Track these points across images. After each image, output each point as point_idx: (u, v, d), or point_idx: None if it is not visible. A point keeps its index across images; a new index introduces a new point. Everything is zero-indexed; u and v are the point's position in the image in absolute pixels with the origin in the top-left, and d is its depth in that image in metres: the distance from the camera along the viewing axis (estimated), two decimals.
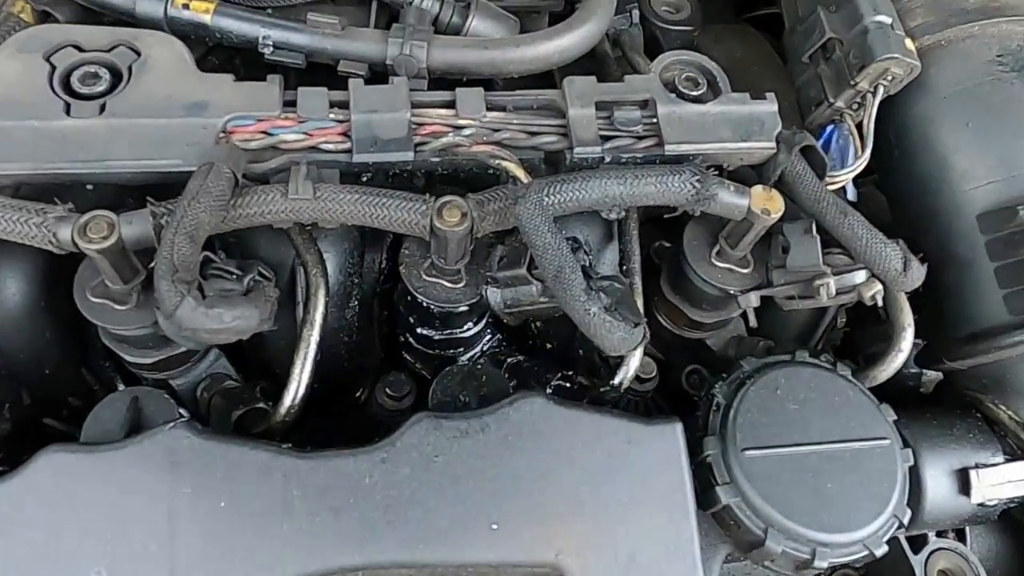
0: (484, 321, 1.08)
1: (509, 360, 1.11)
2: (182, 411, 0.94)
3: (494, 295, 0.97)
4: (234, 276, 0.87)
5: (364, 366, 1.20)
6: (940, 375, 1.20)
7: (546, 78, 1.11)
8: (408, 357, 1.18)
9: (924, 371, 1.20)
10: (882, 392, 1.05)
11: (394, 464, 0.85)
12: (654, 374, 1.19)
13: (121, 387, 1.14)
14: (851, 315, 1.29)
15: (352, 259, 1.07)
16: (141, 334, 0.92)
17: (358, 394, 1.22)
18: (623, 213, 0.98)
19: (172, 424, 0.83)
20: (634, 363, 0.99)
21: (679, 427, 0.90)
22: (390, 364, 1.21)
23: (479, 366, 0.98)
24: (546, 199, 0.88)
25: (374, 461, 0.85)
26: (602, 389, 0.99)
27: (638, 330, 0.88)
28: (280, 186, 0.89)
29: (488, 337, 1.13)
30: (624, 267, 1.04)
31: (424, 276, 0.98)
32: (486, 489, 0.84)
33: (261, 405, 0.97)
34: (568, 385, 1.04)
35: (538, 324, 1.15)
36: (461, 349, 1.11)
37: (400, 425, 0.88)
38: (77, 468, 0.81)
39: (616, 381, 0.99)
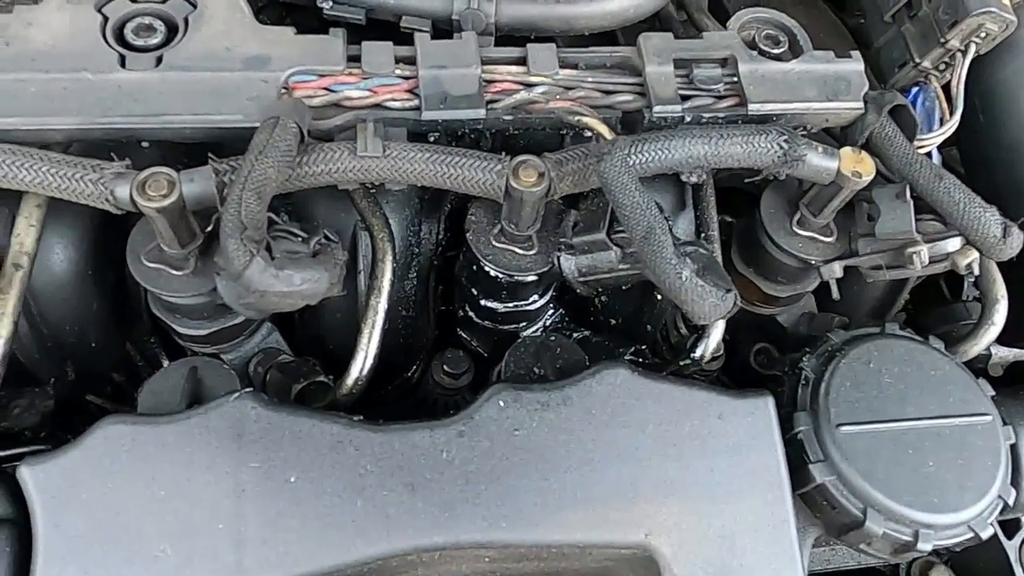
0: (550, 293, 1.03)
1: (575, 335, 1.06)
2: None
3: (568, 263, 0.92)
4: (301, 238, 0.81)
5: (417, 344, 1.15)
6: (1012, 355, 1.14)
7: (610, 39, 1.06)
8: (464, 334, 1.13)
9: (994, 351, 1.14)
10: None
11: (472, 438, 0.79)
12: (721, 352, 1.14)
13: (166, 363, 1.10)
14: (913, 295, 1.24)
15: (413, 227, 1.02)
16: (197, 302, 0.87)
17: (410, 372, 1.16)
18: (703, 176, 0.93)
19: (238, 394, 0.78)
20: (716, 336, 0.94)
21: (771, 401, 0.85)
22: (443, 342, 1.16)
23: (552, 338, 0.92)
24: (631, 158, 0.82)
25: (451, 435, 0.79)
26: (682, 363, 0.94)
27: (729, 296, 0.82)
28: (348, 143, 0.83)
29: (551, 312, 1.08)
30: (702, 235, 0.98)
31: (493, 242, 0.93)
32: (570, 465, 0.79)
33: (323, 379, 0.91)
34: (641, 360, 0.99)
35: (602, 299, 1.10)
36: (524, 323, 1.06)
37: (471, 401, 0.83)
38: (138, 440, 0.76)
39: (697, 354, 0.93)
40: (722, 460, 0.81)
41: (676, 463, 0.81)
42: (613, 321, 1.11)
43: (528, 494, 0.78)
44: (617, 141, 0.83)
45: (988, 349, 1.10)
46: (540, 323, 1.07)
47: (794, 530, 0.80)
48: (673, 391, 0.84)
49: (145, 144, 0.85)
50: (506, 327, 1.05)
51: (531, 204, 0.86)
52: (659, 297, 1.04)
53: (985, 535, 0.84)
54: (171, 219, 0.79)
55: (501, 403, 0.81)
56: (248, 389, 0.79)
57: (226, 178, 0.79)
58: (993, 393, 0.91)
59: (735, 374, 1.17)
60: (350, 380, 0.86)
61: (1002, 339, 1.07)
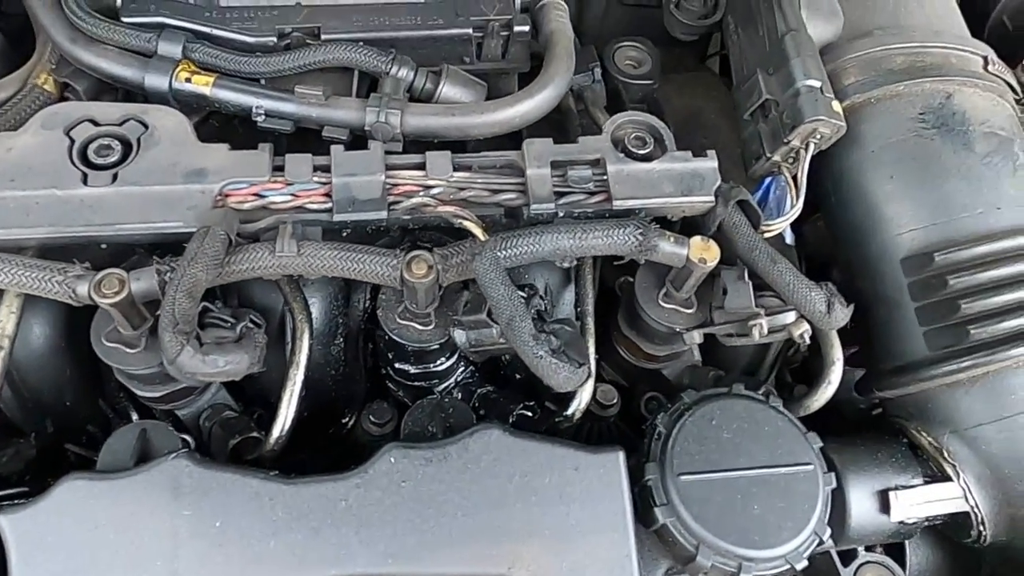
0: (456, 356, 1.20)
1: (479, 391, 1.24)
2: (186, 438, 1.08)
3: (460, 336, 1.10)
4: (228, 324, 0.99)
5: (352, 395, 1.32)
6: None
7: (515, 136, 1.23)
8: (391, 387, 1.31)
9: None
10: (823, 419, 1.17)
11: (367, 489, 0.97)
12: (615, 400, 1.31)
13: (135, 416, 1.28)
14: (813, 343, 1.41)
15: (337, 301, 1.20)
16: (149, 372, 1.05)
17: (346, 420, 1.34)
18: (575, 262, 1.10)
19: (174, 455, 0.96)
20: (585, 396, 1.11)
21: (621, 455, 1.01)
22: (376, 392, 1.34)
23: (447, 400, 1.10)
24: (500, 253, 1.00)
25: (349, 486, 0.97)
26: (557, 419, 1.11)
27: (582, 370, 0.99)
28: (268, 244, 1.01)
29: (461, 369, 1.25)
30: (579, 309, 1.16)
31: (398, 319, 1.11)
32: (447, 511, 0.96)
33: (254, 434, 1.09)
34: (530, 415, 1.16)
35: (506, 357, 1.27)
36: (436, 380, 1.23)
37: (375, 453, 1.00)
38: (94, 493, 0.94)
39: (569, 411, 1.11)
40: (576, 506, 0.98)
41: (537, 508, 0.98)
42: (518, 376, 1.28)
43: (412, 535, 0.95)
44: (488, 242, 1.01)
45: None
46: (452, 379, 1.25)
47: (635, 563, 0.97)
48: (537, 448, 1.01)
49: (103, 245, 1.03)
50: (419, 383, 1.22)
51: (423, 291, 1.04)
52: None
53: (799, 567, 1.01)
54: (123, 310, 0.98)
55: (392, 459, 0.98)
56: (185, 449, 0.97)
57: (167, 276, 0.97)
58: (821, 444, 1.08)
59: (634, 419, 1.34)
60: (272, 438, 1.04)
61: (868, 389, 1.23)
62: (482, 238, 1.02)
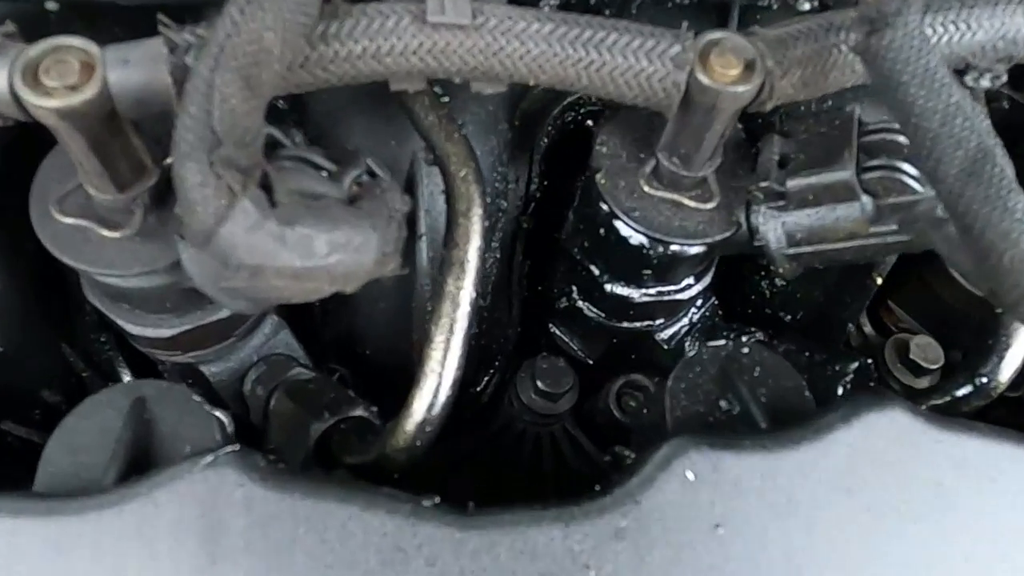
0: (711, 274, 0.66)
1: (738, 337, 0.70)
2: (221, 417, 0.53)
3: (773, 225, 0.55)
4: (327, 172, 0.45)
5: (491, 346, 0.79)
6: None
7: None
8: (561, 332, 0.77)
9: None
10: None
11: (640, 540, 0.43)
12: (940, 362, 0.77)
13: (126, 375, 0.74)
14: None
15: (500, 168, 0.65)
16: (151, 285, 0.51)
17: (480, 387, 0.80)
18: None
19: (211, 458, 0.42)
20: (1019, 349, 0.57)
21: None
22: (525, 346, 0.81)
23: (747, 350, 0.55)
24: (932, 29, 0.45)
25: (602, 533, 0.43)
26: (959, 392, 0.57)
27: None
28: (408, 5, 0.46)
29: (701, 303, 0.71)
30: None
31: (645, 187, 0.56)
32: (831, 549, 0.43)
33: (362, 412, 0.55)
34: (869, 381, 0.62)
35: (778, 283, 0.73)
36: (662, 320, 0.69)
37: (630, 463, 0.47)
38: (31, 542, 0.40)
39: (991, 379, 0.56)
40: None
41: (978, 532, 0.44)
42: (788, 316, 0.74)
43: None
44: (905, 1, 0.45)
45: None
46: (685, 319, 0.71)
47: None
48: (975, 439, 0.47)
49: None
50: (634, 324, 0.68)
51: (725, 119, 0.49)
52: (873, 280, 0.68)
53: None
54: (93, 135, 0.43)
55: (690, 474, 0.44)
56: (230, 448, 0.43)
57: (189, 57, 0.43)
58: None
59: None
60: (412, 422, 0.49)
61: None
62: None
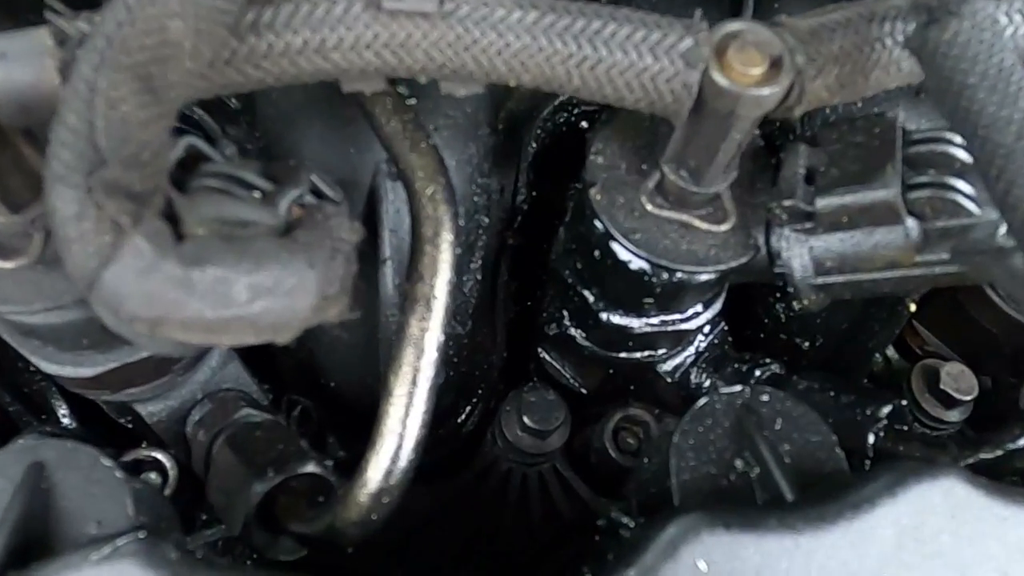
0: (721, 300, 0.58)
1: (755, 371, 0.62)
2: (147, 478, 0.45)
3: (799, 250, 0.47)
4: (259, 193, 0.37)
5: (474, 373, 0.70)
6: None
7: None
8: (551, 359, 0.69)
9: None
10: None
11: None
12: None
13: (62, 407, 0.66)
14: None
15: (481, 179, 0.57)
16: (61, 321, 0.43)
17: (462, 417, 0.72)
18: None
19: (109, 549, 0.34)
20: None
21: None
22: (512, 374, 0.72)
23: (766, 397, 0.46)
24: (1007, 18, 0.37)
25: None
26: (1017, 445, 0.49)
27: None
28: None
29: (709, 330, 0.63)
30: None
31: (646, 205, 0.48)
32: None
33: (313, 469, 0.47)
34: (900, 427, 0.54)
35: (795, 305, 0.65)
36: (663, 350, 0.61)
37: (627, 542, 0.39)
38: None
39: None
40: None
41: None
42: (806, 344, 0.66)
43: None
44: None
45: None
46: (691, 349, 0.63)
47: None
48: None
49: None
50: (634, 355, 0.60)
51: (744, 127, 0.41)
52: (906, 306, 0.60)
53: None
54: None
55: (703, 564, 0.36)
56: (132, 538, 0.34)
57: (78, 49, 0.34)
58: None
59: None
60: (366, 492, 0.41)
61: None
62: None
